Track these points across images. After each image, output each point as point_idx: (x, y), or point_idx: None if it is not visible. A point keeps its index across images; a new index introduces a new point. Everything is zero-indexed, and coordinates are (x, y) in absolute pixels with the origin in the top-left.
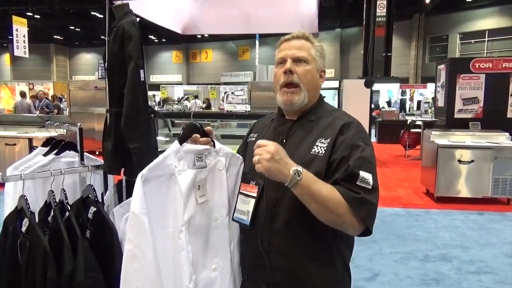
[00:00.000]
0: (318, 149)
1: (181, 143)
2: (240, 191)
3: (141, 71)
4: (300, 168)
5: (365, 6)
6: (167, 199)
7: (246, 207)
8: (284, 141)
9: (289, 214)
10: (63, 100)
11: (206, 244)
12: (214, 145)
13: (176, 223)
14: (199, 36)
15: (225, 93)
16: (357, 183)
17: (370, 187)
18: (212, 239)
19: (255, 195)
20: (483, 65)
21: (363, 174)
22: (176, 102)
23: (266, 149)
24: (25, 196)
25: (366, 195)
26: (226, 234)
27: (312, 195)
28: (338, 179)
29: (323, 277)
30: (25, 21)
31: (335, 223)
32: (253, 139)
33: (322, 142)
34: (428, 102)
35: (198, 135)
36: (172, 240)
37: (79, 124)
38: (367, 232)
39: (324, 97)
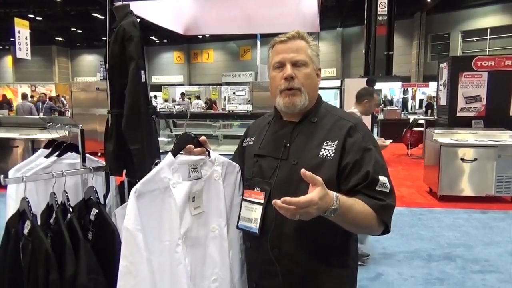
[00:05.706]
0: (326, 152)
1: (174, 155)
2: (244, 198)
3: (142, 72)
4: (337, 206)
5: (366, 5)
6: (162, 213)
7: (253, 214)
8: (288, 144)
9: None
10: (64, 100)
11: (204, 255)
12: (209, 155)
13: (172, 237)
14: (200, 37)
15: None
16: (377, 188)
17: (388, 190)
18: (210, 250)
19: (261, 201)
20: (485, 63)
21: (381, 179)
22: (177, 103)
23: (314, 207)
24: (27, 198)
25: (388, 199)
26: (225, 244)
27: (347, 221)
28: (359, 187)
29: (335, 279)
30: (27, 23)
31: (363, 232)
32: (250, 143)
33: (330, 145)
34: (428, 102)
35: (192, 146)
36: (169, 254)
37: (80, 125)
38: (385, 230)
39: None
